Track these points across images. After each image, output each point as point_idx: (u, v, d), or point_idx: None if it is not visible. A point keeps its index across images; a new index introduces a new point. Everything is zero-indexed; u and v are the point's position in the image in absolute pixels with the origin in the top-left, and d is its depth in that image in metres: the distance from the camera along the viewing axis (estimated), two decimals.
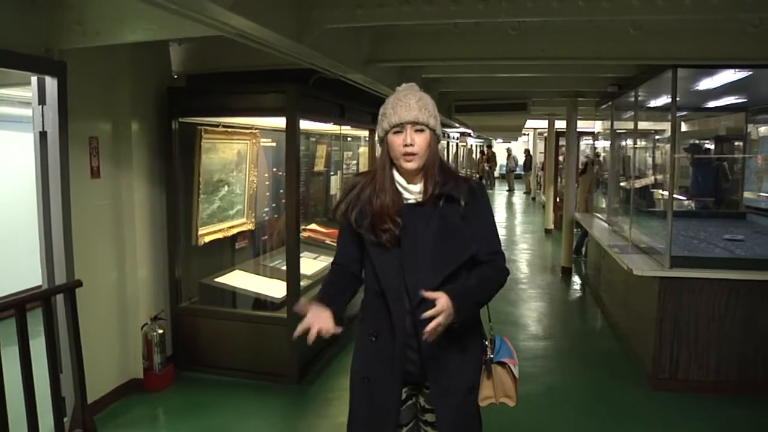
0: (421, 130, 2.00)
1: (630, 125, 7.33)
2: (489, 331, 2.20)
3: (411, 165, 2.01)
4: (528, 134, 23.84)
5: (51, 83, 3.47)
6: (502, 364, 2.14)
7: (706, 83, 5.26)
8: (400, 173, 2.06)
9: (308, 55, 3.41)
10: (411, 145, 1.98)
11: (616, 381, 4.77)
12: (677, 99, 4.41)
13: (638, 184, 7.32)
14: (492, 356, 2.13)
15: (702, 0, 2.80)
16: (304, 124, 4.86)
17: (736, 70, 4.58)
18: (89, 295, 3.80)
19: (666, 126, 7.73)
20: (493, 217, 2.21)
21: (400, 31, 4.36)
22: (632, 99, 5.99)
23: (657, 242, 5.02)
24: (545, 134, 16.88)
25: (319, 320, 1.95)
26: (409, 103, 1.99)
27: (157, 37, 3.37)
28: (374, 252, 2.06)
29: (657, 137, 7.67)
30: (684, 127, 8.45)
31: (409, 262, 2.01)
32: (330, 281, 2.22)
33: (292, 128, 4.44)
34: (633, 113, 6.77)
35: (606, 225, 7.23)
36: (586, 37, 4.14)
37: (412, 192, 2.06)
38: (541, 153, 21.80)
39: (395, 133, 2.00)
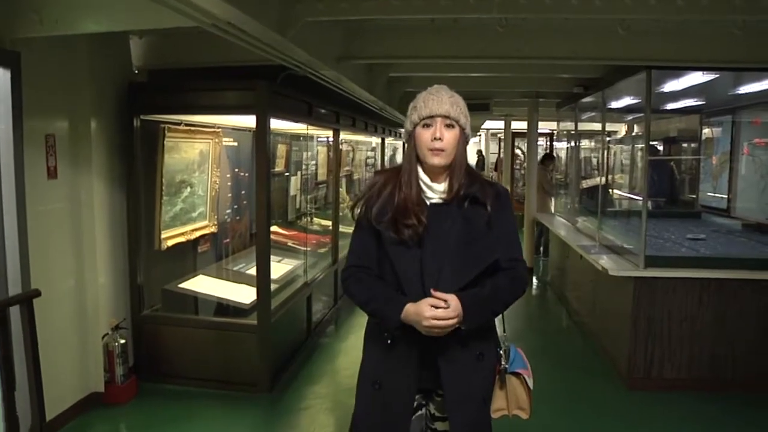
0: (452, 126, 1.95)
1: (589, 126, 7.48)
2: (503, 341, 2.12)
3: (438, 160, 1.93)
4: (480, 135, 24.06)
5: (3, 75, 3.19)
6: (517, 375, 2.06)
7: (671, 85, 5.35)
8: (425, 171, 1.99)
9: (288, 49, 3.24)
10: (440, 139, 1.92)
11: (590, 380, 4.78)
12: (637, 101, 4.47)
13: (588, 184, 7.48)
14: (506, 366, 2.05)
15: (693, 1, 2.78)
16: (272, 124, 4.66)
17: (704, 72, 4.65)
18: (45, 304, 3.50)
19: (620, 128, 7.96)
20: (515, 223, 2.15)
21: (372, 27, 4.24)
22: (597, 100, 6.06)
23: (627, 242, 5.07)
24: (499, 135, 17.10)
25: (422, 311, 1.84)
26: (441, 98, 1.95)
27: (122, 27, 3.16)
28: (393, 251, 1.95)
29: (614, 138, 7.83)
30: (636, 129, 8.64)
31: (430, 264, 1.92)
32: (377, 287, 2.01)
33: (262, 127, 4.25)
34: (593, 114, 6.89)
35: (569, 225, 7.28)
36: (563, 36, 4.13)
37: (436, 191, 1.99)
38: (493, 153, 22.09)
39: (424, 126, 1.95)
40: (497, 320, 2.10)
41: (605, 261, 4.80)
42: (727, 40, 3.84)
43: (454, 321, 1.85)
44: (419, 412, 2.06)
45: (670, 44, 4.04)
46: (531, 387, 2.09)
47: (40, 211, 3.61)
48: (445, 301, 1.84)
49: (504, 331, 2.15)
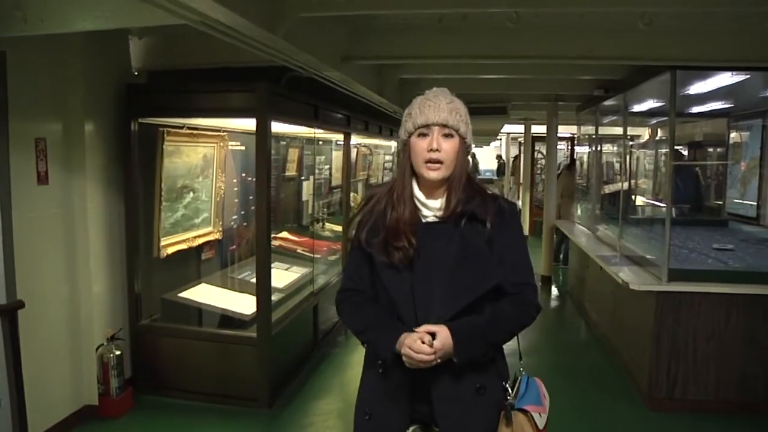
0: (450, 135, 1.76)
1: (611, 130, 7.19)
2: (519, 370, 1.90)
3: (434, 175, 1.76)
4: (501, 139, 23.73)
5: None
6: (524, 412, 1.80)
7: (698, 87, 5.07)
8: (420, 186, 1.82)
9: (282, 48, 3.06)
10: (437, 150, 1.74)
11: (609, 400, 4.51)
12: (660, 104, 4.21)
13: (609, 189, 7.18)
14: (513, 402, 1.80)
15: None
16: (277, 127, 4.50)
17: (733, 73, 4.38)
18: (36, 314, 3.40)
19: (643, 131, 7.66)
20: (525, 242, 1.94)
21: (379, 25, 4.04)
22: (618, 103, 5.79)
23: (649, 253, 4.80)
24: (519, 139, 16.78)
25: (414, 344, 1.66)
26: (438, 104, 1.75)
27: (110, 26, 2.98)
28: (385, 275, 1.79)
29: (637, 142, 7.53)
30: (660, 133, 8.33)
31: (421, 289, 1.74)
32: (371, 314, 1.85)
33: (262, 130, 4.07)
34: (615, 118, 6.61)
35: (589, 233, 7.00)
36: (579, 34, 3.90)
37: (431, 208, 1.81)
38: (512, 158, 21.72)
39: (420, 135, 1.76)
40: (510, 346, 1.89)
41: (626, 273, 4.53)
42: (759, 37, 3.58)
43: (431, 358, 1.64)
44: None
45: (696, 43, 3.78)
46: (540, 426, 1.80)
47: (30, 218, 3.48)
48: (433, 334, 1.66)
49: (520, 359, 1.95)
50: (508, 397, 1.82)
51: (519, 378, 1.88)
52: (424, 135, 1.76)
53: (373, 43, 4.09)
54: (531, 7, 2.78)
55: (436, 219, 1.81)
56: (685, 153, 8.07)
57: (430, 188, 1.81)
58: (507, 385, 1.85)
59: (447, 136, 1.76)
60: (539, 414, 1.82)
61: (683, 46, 3.80)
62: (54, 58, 3.65)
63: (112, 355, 4.03)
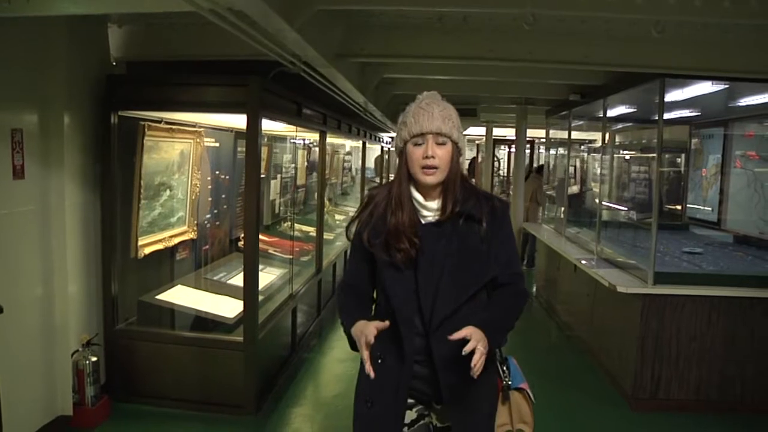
0: (444, 143, 1.88)
1: (579, 135, 7.34)
2: (499, 355, 2.10)
3: (431, 179, 1.89)
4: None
5: None
6: (520, 390, 2.07)
7: (671, 96, 5.19)
8: (418, 189, 1.94)
9: (293, 41, 2.93)
10: (432, 157, 1.86)
11: (590, 401, 4.56)
12: (631, 110, 4.25)
13: (575, 192, 7.30)
14: (510, 382, 2.05)
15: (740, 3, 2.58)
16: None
17: (714, 82, 4.50)
18: (8, 318, 3.14)
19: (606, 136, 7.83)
20: (514, 236, 2.13)
21: (377, 24, 3.96)
22: (593, 108, 5.90)
23: (626, 256, 4.89)
24: (477, 141, 16.98)
25: (366, 332, 1.82)
26: (431, 113, 1.87)
27: (107, 10, 2.83)
28: (386, 273, 1.94)
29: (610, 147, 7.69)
30: (618, 138, 8.55)
31: (426, 285, 1.89)
32: (351, 305, 2.05)
33: (253, 127, 3.91)
34: (581, 123, 6.76)
35: (560, 236, 7.11)
36: (576, 40, 3.92)
37: (430, 209, 1.95)
38: (467, 160, 21.94)
39: (415, 144, 1.88)
40: None
41: (609, 276, 4.58)
42: (747, 49, 3.69)
43: (481, 347, 1.76)
44: (421, 422, 2.03)
45: (687, 52, 3.87)
46: (533, 400, 2.09)
47: (3, 215, 3.24)
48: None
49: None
50: (505, 379, 2.04)
51: (506, 360, 2.10)
52: (418, 143, 1.87)
53: (369, 41, 4.01)
54: (553, 11, 2.75)
55: (434, 219, 1.93)
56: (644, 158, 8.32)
57: (426, 191, 1.93)
58: (504, 369, 2.06)
59: (440, 143, 1.87)
60: (528, 389, 2.09)
61: (675, 55, 3.88)
62: (32, 44, 3.41)
63: (87, 361, 3.80)
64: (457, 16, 3.63)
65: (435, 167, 1.86)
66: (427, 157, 1.85)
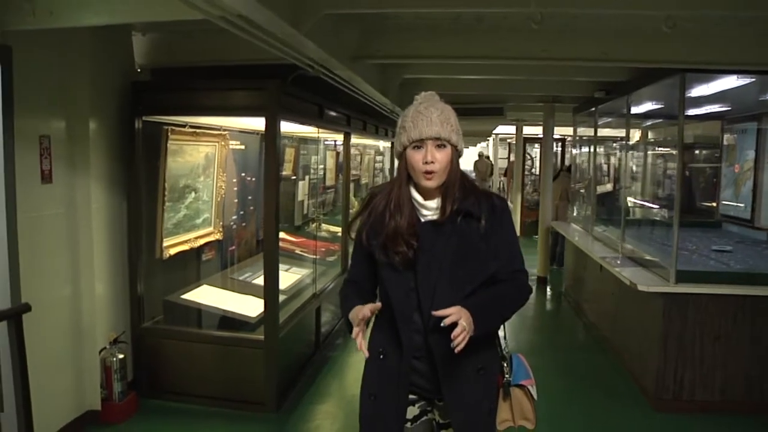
0: (443, 146, 1.89)
1: (608, 132, 7.22)
2: (504, 350, 2.12)
3: (431, 183, 1.91)
4: (489, 140, 23.75)
5: None
6: (521, 387, 2.10)
7: (698, 90, 5.08)
8: (417, 189, 1.96)
9: (303, 45, 2.99)
10: (432, 162, 1.88)
11: (614, 400, 4.50)
12: (659, 106, 4.21)
13: (605, 191, 7.17)
14: (510, 378, 2.08)
15: None
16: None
17: (738, 76, 4.40)
18: (38, 317, 3.26)
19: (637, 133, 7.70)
20: (515, 234, 2.13)
21: (392, 25, 4.00)
22: (618, 105, 5.81)
23: (651, 254, 4.80)
24: (509, 140, 16.85)
25: (361, 314, 1.88)
26: (430, 117, 1.87)
27: (122, 20, 2.92)
28: (385, 272, 1.97)
29: (636, 144, 7.56)
30: (650, 135, 8.40)
31: (425, 284, 1.91)
32: (351, 295, 2.09)
33: (272, 129, 3.99)
34: (609, 120, 6.65)
35: (585, 233, 7.02)
36: (593, 37, 3.88)
37: (429, 208, 1.96)
38: (501, 159, 21.79)
39: (414, 148, 1.89)
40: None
41: (631, 274, 4.52)
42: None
43: (464, 322, 1.77)
44: (423, 418, 2.07)
45: (708, 46, 3.79)
46: (535, 397, 2.10)
47: (33, 218, 3.37)
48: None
49: (505, 339, 2.15)
50: (506, 376, 2.07)
51: (510, 356, 2.12)
52: (418, 147, 1.88)
53: (385, 43, 4.05)
54: (559, 8, 2.74)
55: (434, 218, 1.94)
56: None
57: (426, 191, 1.95)
58: (504, 365, 2.09)
59: (440, 146, 1.88)
60: (532, 386, 2.10)
61: (695, 50, 3.81)
62: (59, 54, 3.55)
63: (115, 358, 3.93)
64: (470, 16, 3.63)
65: (434, 171, 1.88)
66: (427, 163, 1.87)
